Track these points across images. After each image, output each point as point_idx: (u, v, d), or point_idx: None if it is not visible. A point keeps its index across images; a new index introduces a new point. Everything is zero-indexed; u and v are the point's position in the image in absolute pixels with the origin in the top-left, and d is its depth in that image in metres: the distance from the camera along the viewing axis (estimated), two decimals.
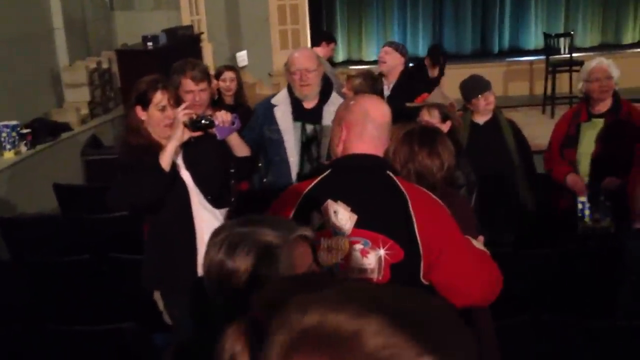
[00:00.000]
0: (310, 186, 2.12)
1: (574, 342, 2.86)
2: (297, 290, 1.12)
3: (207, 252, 1.60)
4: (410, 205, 2.02)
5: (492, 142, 4.18)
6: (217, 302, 1.57)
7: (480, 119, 4.24)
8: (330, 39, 6.85)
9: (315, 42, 6.71)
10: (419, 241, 2.01)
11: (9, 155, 6.06)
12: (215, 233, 1.63)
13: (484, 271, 2.14)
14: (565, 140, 4.26)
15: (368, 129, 2.12)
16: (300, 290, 1.11)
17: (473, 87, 4.22)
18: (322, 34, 6.95)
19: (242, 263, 1.53)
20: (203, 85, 3.41)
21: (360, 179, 2.08)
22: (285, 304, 0.80)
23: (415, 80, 6.97)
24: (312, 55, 3.80)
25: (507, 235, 4.21)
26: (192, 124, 2.91)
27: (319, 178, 2.15)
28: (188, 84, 3.38)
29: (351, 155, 2.13)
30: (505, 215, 4.20)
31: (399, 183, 2.09)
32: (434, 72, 7.65)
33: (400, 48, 5.17)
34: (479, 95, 4.16)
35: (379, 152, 2.16)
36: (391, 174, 2.12)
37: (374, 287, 0.82)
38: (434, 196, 2.16)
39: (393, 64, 5.06)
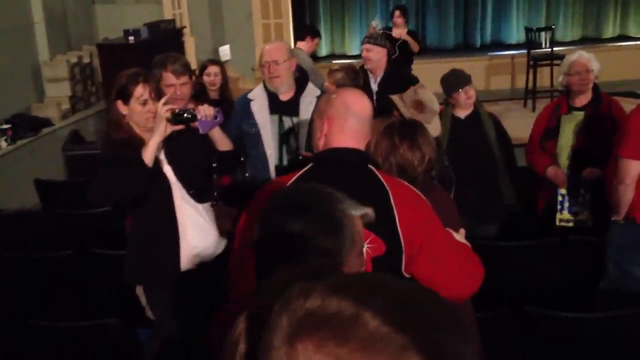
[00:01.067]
0: (293, 180, 2.12)
1: (554, 333, 2.89)
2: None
3: (266, 211, 1.59)
4: (391, 199, 2.03)
5: (473, 136, 4.20)
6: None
7: (462, 113, 4.26)
8: (315, 34, 6.82)
9: (299, 37, 6.66)
10: (401, 234, 2.02)
11: None
12: (279, 194, 1.64)
13: (465, 264, 2.16)
14: (546, 132, 4.29)
15: (349, 123, 2.13)
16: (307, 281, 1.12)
17: (453, 82, 4.23)
18: (307, 29, 6.90)
19: (302, 227, 1.53)
20: (184, 79, 3.40)
21: (342, 173, 2.08)
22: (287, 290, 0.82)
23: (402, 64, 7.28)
24: (281, 47, 3.79)
25: (488, 228, 4.24)
26: (174, 118, 2.90)
27: (301, 172, 2.15)
28: (169, 77, 3.37)
29: (333, 149, 2.14)
30: (486, 209, 4.23)
31: (380, 177, 2.10)
32: (402, 33, 7.84)
33: (379, 40, 5.17)
34: (460, 90, 4.18)
35: (361, 146, 2.17)
36: (373, 168, 2.13)
37: (373, 275, 0.84)
38: (415, 190, 2.17)
39: (377, 59, 5.07)
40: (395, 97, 3.69)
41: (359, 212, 1.58)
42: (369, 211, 1.61)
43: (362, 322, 0.74)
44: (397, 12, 8.09)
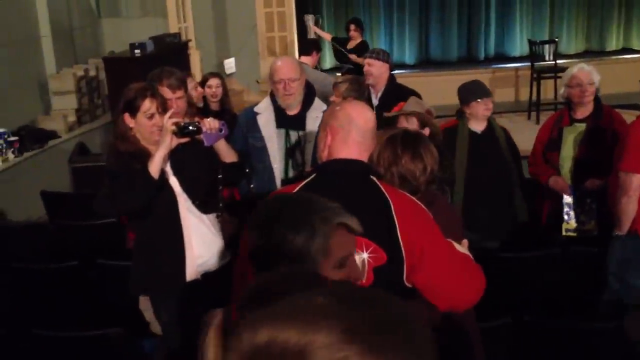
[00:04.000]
0: (295, 190, 2.15)
1: (555, 343, 2.91)
2: (280, 288, 1.15)
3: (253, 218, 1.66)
4: (393, 210, 2.06)
5: (490, 152, 4.18)
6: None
7: (478, 127, 4.21)
8: (319, 49, 6.92)
9: (305, 51, 6.67)
10: (402, 245, 2.05)
11: None
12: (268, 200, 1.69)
13: (466, 274, 2.18)
14: (548, 144, 4.31)
15: (352, 135, 2.16)
16: (283, 289, 1.15)
17: (474, 90, 4.20)
18: (312, 44, 6.93)
19: (278, 226, 1.58)
20: (180, 93, 3.45)
21: (344, 183, 2.12)
22: (244, 317, 0.83)
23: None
24: (295, 65, 3.80)
25: (491, 242, 4.23)
26: (180, 131, 2.94)
27: (304, 182, 2.19)
28: (165, 92, 3.41)
29: (335, 160, 2.18)
30: (500, 226, 4.22)
31: (382, 188, 2.13)
32: (352, 44, 8.12)
33: (381, 55, 5.16)
34: (479, 99, 4.15)
35: (364, 157, 2.20)
36: (375, 179, 2.16)
37: (327, 298, 0.84)
38: (416, 200, 2.20)
39: (379, 73, 5.07)
40: (407, 105, 3.69)
41: (337, 220, 1.59)
42: (350, 221, 1.62)
43: (308, 357, 0.74)
44: (352, 26, 8.36)
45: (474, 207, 4.05)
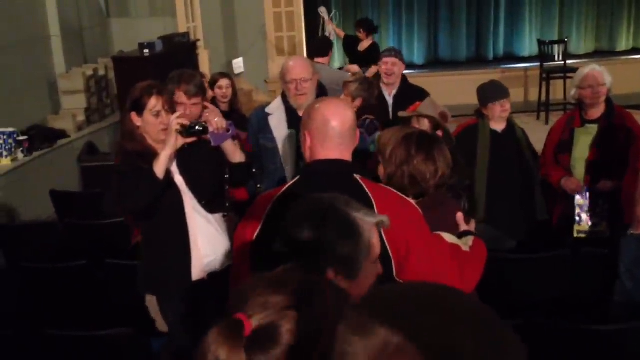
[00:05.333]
0: (280, 192, 2.16)
1: (566, 344, 2.88)
2: (273, 290, 1.15)
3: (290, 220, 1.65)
4: (375, 208, 2.05)
5: (511, 150, 4.19)
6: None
7: (498, 127, 4.24)
8: (332, 45, 6.90)
9: (321, 52, 6.54)
10: (387, 242, 2.03)
11: (5, 162, 6.09)
12: (297, 204, 1.68)
13: (456, 265, 2.18)
14: (560, 145, 4.29)
15: (330, 136, 2.16)
16: (275, 290, 1.14)
17: (491, 92, 4.21)
18: (327, 44, 6.85)
19: (320, 234, 1.57)
20: (196, 100, 3.45)
21: (326, 184, 2.08)
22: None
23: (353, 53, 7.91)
24: (307, 65, 3.78)
25: (509, 242, 4.22)
26: (186, 131, 2.94)
27: (288, 184, 2.21)
28: (181, 96, 3.41)
29: (317, 162, 2.18)
30: (520, 225, 4.22)
31: (364, 186, 2.13)
32: (364, 45, 8.13)
33: (399, 55, 5.14)
34: (496, 101, 4.16)
35: (345, 156, 2.20)
36: (358, 177, 2.16)
37: (450, 294, 0.89)
38: (401, 196, 2.20)
39: (399, 74, 5.04)
40: (422, 106, 3.68)
41: (374, 220, 1.60)
42: (384, 219, 1.63)
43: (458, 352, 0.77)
44: (359, 28, 8.40)
45: (495, 205, 4.06)
